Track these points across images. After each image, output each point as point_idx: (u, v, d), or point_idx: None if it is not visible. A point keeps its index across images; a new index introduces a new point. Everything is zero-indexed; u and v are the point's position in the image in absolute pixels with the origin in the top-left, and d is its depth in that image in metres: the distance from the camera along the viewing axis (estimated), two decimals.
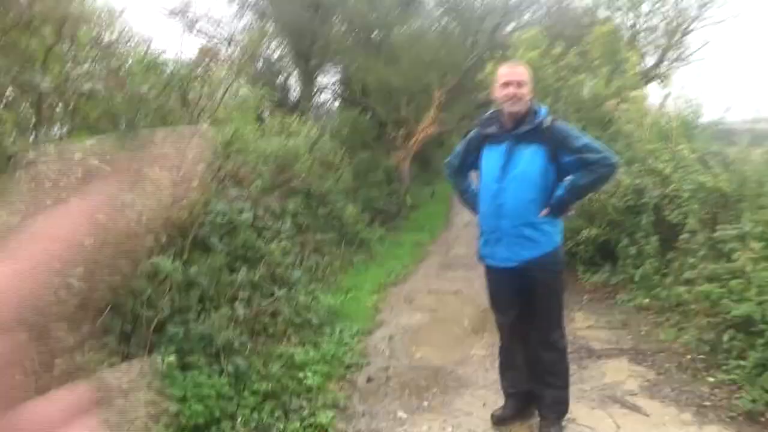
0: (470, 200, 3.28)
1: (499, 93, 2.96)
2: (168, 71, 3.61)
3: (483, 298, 5.93)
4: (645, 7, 11.50)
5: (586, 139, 2.87)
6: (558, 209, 2.92)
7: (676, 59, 12.09)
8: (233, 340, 3.54)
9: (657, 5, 11.16)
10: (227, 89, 4.13)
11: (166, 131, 0.51)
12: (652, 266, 5.38)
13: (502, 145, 2.96)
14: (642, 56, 9.88)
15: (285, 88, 13.45)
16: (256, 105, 6.81)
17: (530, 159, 2.88)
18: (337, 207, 7.77)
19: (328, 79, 14.91)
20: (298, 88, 13.76)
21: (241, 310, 3.87)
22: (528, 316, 3.08)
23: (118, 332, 3.36)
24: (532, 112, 2.94)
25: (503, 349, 3.35)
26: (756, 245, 4.05)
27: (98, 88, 2.91)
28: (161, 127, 3.07)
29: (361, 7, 11.89)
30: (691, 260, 4.77)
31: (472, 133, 3.21)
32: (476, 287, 6.24)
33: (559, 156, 2.86)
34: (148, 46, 4.19)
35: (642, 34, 11.52)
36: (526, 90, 2.91)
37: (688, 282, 4.67)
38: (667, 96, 7.14)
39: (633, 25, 11.47)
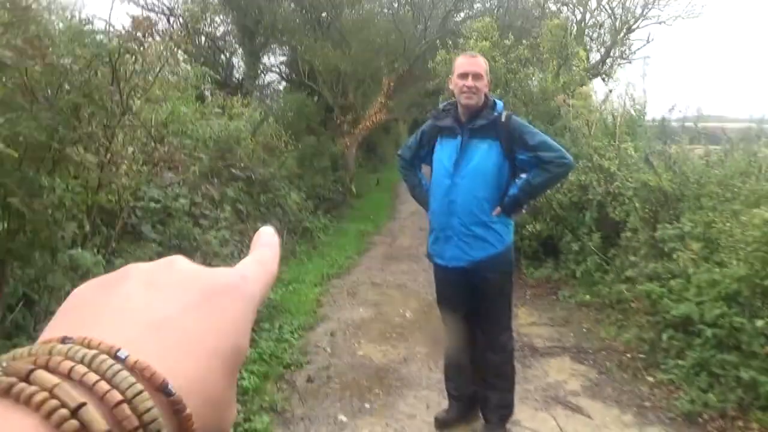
0: (421, 196, 3.14)
1: (455, 84, 2.82)
2: (96, 42, 3.25)
3: (427, 293, 5.87)
4: (593, 3, 11.66)
5: (542, 136, 2.77)
6: (511, 208, 2.82)
7: (620, 57, 12.36)
8: None
9: (604, 2, 11.33)
10: (163, 65, 3.79)
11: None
12: (594, 263, 5.43)
13: (456, 139, 2.83)
14: (588, 52, 10.00)
15: (228, 67, 12.91)
16: (196, 84, 6.40)
17: (485, 155, 2.76)
18: (281, 194, 7.49)
19: (275, 60, 14.46)
20: (242, 68, 13.24)
21: None
22: (476, 317, 2.99)
23: (31, 330, 3.06)
24: (488, 106, 2.82)
25: (449, 350, 3.24)
26: (695, 245, 4.11)
27: (7, 55, 2.57)
28: (86, 105, 2.71)
29: None
30: (633, 258, 4.84)
31: (425, 125, 3.07)
32: (420, 281, 6.16)
33: (515, 152, 2.76)
34: (79, 14, 3.80)
35: (589, 30, 11.70)
36: (483, 83, 2.79)
37: (629, 280, 4.73)
38: (610, 93, 7.23)
39: (581, 21, 11.63)
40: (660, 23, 11.79)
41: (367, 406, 3.46)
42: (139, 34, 3.60)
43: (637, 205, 4.98)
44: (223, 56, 12.79)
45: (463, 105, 2.81)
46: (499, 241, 2.82)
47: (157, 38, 4.27)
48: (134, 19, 3.64)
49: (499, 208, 2.79)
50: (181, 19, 12.09)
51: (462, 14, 12.17)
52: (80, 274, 2.79)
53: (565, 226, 6.06)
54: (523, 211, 3.06)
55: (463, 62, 2.83)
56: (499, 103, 2.86)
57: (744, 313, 3.45)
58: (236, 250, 5.52)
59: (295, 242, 7.36)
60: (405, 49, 11.16)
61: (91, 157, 3.03)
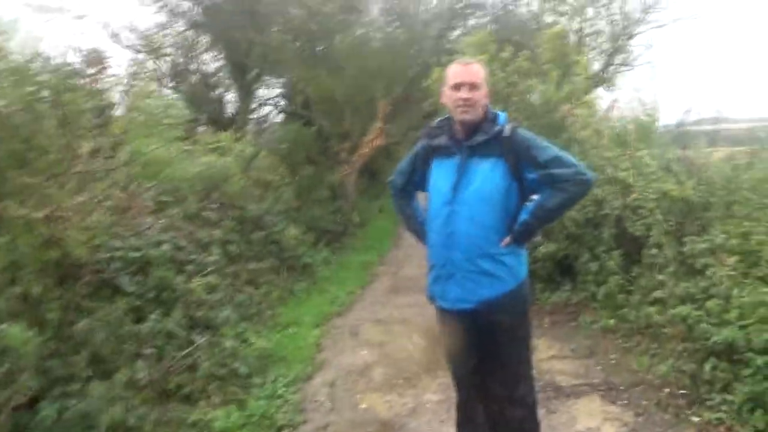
0: (417, 227, 2.71)
1: (448, 97, 2.41)
2: (34, 81, 2.88)
3: (435, 328, 5.39)
4: (590, 12, 11.36)
5: (554, 150, 2.34)
6: (522, 237, 2.38)
7: (622, 63, 12.01)
8: (128, 414, 2.84)
9: (601, 9, 11.03)
10: (119, 103, 3.43)
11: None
12: (616, 283, 4.94)
13: (454, 158, 2.42)
14: (589, 61, 9.65)
15: (221, 103, 12.65)
16: (175, 122, 6.06)
17: (488, 175, 2.34)
18: (276, 230, 7.09)
19: (269, 93, 14.23)
20: (236, 103, 12.99)
21: (142, 372, 3.17)
22: (490, 367, 2.53)
23: None
24: (489, 119, 2.40)
25: (461, 405, 2.77)
26: (731, 259, 3.65)
27: None
28: (25, 154, 2.30)
29: (301, 14, 11.27)
30: (660, 277, 4.36)
31: (417, 146, 2.65)
32: (427, 315, 5.66)
33: (523, 171, 2.33)
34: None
35: (588, 38, 11.38)
36: (481, 93, 2.37)
37: (658, 302, 4.25)
38: (615, 100, 6.84)
39: (579, 30, 11.31)
40: (660, 27, 11.45)
41: None
42: (96, 68, 3.26)
43: (659, 217, 4.52)
44: (216, 92, 12.55)
45: (458, 120, 2.40)
46: (511, 276, 2.38)
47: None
48: (88, 53, 3.30)
49: (508, 238, 2.35)
50: (170, 59, 11.90)
51: (456, 32, 11.88)
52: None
53: (581, 245, 5.57)
54: (537, 237, 2.61)
55: (456, 71, 2.42)
56: (502, 115, 2.44)
57: None
58: (226, 295, 5.11)
59: (293, 280, 6.94)
60: (400, 71, 10.84)
61: (35, 210, 2.65)
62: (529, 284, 2.53)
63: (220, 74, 12.72)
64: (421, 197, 2.78)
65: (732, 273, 3.52)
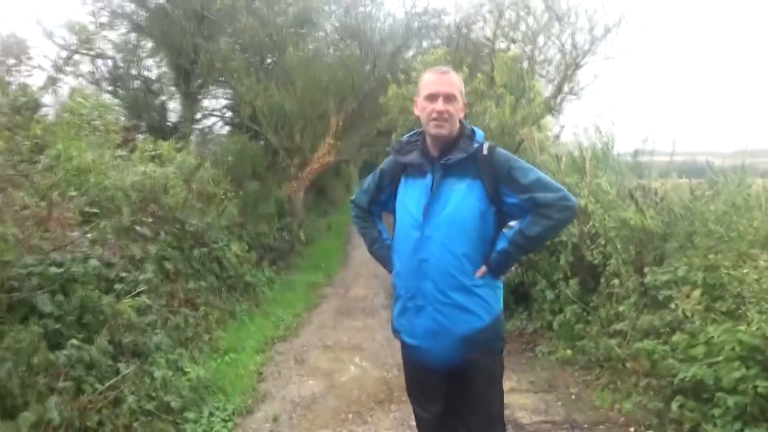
0: (382, 253, 2.42)
1: (421, 108, 2.15)
2: None
3: (386, 355, 5.10)
4: (540, 40, 11.51)
5: (537, 172, 2.10)
6: (499, 267, 2.13)
7: (569, 92, 12.22)
8: None
9: (551, 39, 11.21)
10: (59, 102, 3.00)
11: None
12: (573, 313, 4.81)
13: (426, 178, 2.15)
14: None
15: (164, 111, 12.05)
16: (115, 127, 5.59)
17: (463, 198, 2.09)
18: (218, 246, 6.63)
19: (216, 103, 13.72)
20: (180, 111, 12.41)
21: (55, 409, 2.72)
22: (458, 410, 2.26)
23: None
24: (466, 135, 2.16)
25: None
26: (696, 293, 3.55)
27: None
28: None
29: (252, 24, 10.91)
30: (620, 308, 4.25)
31: (385, 163, 2.38)
32: (378, 339, 5.41)
33: (502, 195, 2.09)
34: None
35: (538, 66, 11.52)
36: (457, 106, 2.12)
37: (619, 334, 4.13)
38: (563, 128, 6.86)
39: (530, 57, 11.45)
40: (608, 59, 11.73)
41: None
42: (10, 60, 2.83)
43: (618, 246, 4.43)
44: (159, 99, 11.94)
45: (432, 135, 2.15)
46: (486, 311, 2.12)
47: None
48: (5, 40, 2.87)
49: (484, 268, 2.10)
50: (110, 62, 11.26)
51: (411, 51, 11.82)
52: None
53: (537, 271, 5.45)
54: (513, 269, 2.37)
55: (431, 80, 2.16)
56: (479, 132, 2.20)
57: None
58: (159, 317, 4.65)
59: (235, 301, 6.49)
60: (353, 87, 10.65)
61: None
62: (503, 319, 2.29)
63: (163, 81, 12.14)
64: (386, 220, 2.51)
65: (698, 307, 3.41)
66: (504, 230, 2.13)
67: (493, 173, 2.08)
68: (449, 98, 2.10)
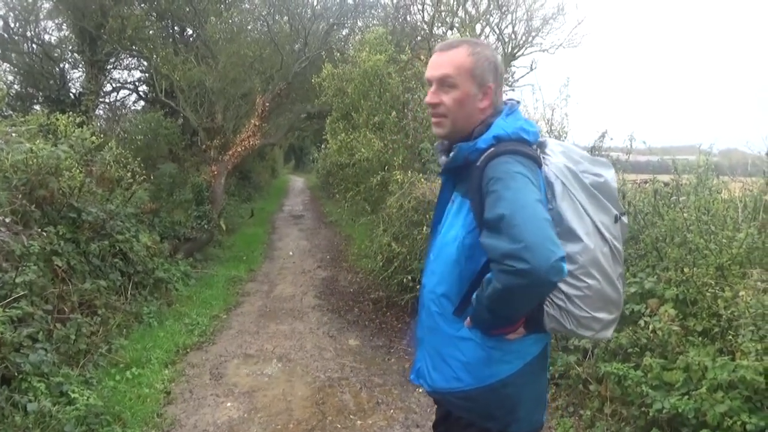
0: None
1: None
2: None
3: (318, 368, 4.52)
4: (478, 28, 11.22)
5: (509, 205, 1.30)
6: (480, 323, 1.50)
7: (504, 83, 12.08)
8: None
9: (491, 26, 10.95)
10: None
11: None
12: None
13: (446, 186, 1.69)
14: None
15: (64, 80, 10.72)
16: None
17: (453, 220, 1.56)
18: (123, 238, 5.77)
19: (129, 76, 12.46)
20: (85, 82, 11.10)
21: None
22: None
23: None
24: (475, 135, 1.52)
25: None
26: (670, 310, 3.22)
27: None
28: None
29: None
30: None
31: None
32: (308, 348, 4.82)
33: None
34: None
35: None
36: (457, 94, 1.52)
37: (579, 350, 3.77)
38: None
39: None
40: (543, 51, 11.66)
41: None
42: None
43: None
44: (56, 68, 10.59)
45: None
46: (467, 373, 1.54)
47: None
48: None
49: (469, 318, 1.52)
50: (0, 21, 9.84)
51: (346, 30, 11.14)
52: None
53: None
54: (518, 332, 1.68)
55: (430, 61, 1.60)
56: (494, 131, 1.49)
57: (762, 410, 2.56)
58: (42, 328, 3.84)
59: (142, 300, 5.68)
60: (282, 65, 9.85)
61: None
62: (507, 395, 1.54)
63: (65, 46, 10.79)
64: None
65: (675, 327, 3.08)
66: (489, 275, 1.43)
67: (480, 192, 1.45)
68: (443, 82, 1.53)
